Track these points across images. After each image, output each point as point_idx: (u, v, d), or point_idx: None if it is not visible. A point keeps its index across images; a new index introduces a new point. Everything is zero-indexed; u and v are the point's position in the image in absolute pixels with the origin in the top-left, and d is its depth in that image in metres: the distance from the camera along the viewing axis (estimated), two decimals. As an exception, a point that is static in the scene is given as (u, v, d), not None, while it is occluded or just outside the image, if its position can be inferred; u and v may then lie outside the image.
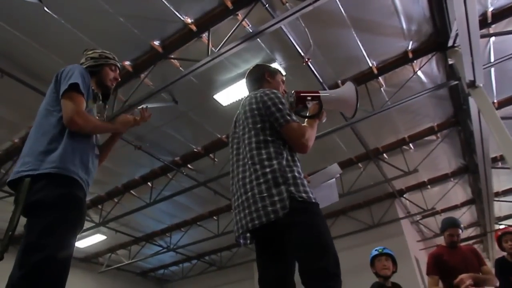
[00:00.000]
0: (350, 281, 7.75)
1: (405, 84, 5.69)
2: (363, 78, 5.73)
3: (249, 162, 1.80)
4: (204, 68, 4.58)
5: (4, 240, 1.59)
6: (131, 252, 10.76)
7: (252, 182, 1.75)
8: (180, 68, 5.11)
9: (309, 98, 2.02)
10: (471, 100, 5.01)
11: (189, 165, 7.31)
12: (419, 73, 5.67)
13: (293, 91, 2.06)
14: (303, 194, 1.69)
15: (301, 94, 2.03)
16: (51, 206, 1.62)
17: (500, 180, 8.71)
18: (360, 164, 7.96)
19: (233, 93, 5.59)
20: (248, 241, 1.90)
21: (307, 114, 2.01)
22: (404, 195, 9.21)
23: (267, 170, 1.73)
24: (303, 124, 1.93)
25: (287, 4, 4.41)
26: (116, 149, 6.65)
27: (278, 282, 1.80)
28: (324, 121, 2.08)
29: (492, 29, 5.18)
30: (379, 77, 5.75)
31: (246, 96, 2.08)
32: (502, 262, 3.87)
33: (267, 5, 4.31)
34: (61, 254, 1.56)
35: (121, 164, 7.13)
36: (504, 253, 3.93)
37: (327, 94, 2.07)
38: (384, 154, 7.64)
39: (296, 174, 1.76)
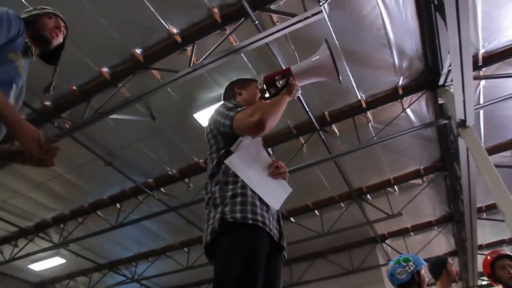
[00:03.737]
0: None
1: (393, 120, 5.50)
2: (351, 111, 5.54)
3: (204, 192, 1.68)
4: (184, 80, 4.34)
5: None
6: (92, 280, 9.96)
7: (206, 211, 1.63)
8: (160, 80, 4.84)
9: (278, 77, 1.77)
10: (460, 141, 4.82)
11: (162, 189, 6.88)
12: (408, 111, 5.51)
13: (261, 78, 1.85)
14: (237, 214, 1.44)
15: (268, 75, 1.80)
16: None
17: (484, 232, 8.45)
18: (342, 204, 7.63)
19: (215, 114, 5.30)
20: None
21: (269, 96, 1.80)
22: (386, 241, 8.84)
23: (211, 195, 1.60)
24: (247, 109, 1.67)
25: (277, 23, 4.26)
26: (85, 164, 6.30)
27: None
28: (298, 94, 1.80)
29: (482, 72, 5.10)
30: (367, 112, 5.56)
31: None
32: None
33: (256, 22, 4.12)
34: None
35: (89, 181, 6.67)
36: None
37: (299, 65, 1.81)
38: (368, 195, 7.35)
39: (238, 190, 1.51)
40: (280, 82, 1.76)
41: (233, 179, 1.55)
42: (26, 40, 1.74)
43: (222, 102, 1.86)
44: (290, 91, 1.74)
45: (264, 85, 1.79)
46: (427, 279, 2.83)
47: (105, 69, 4.79)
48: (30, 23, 1.81)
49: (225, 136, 1.64)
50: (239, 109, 1.64)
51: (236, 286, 1.28)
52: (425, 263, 2.86)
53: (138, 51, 4.61)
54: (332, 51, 1.70)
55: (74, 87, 4.97)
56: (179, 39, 4.47)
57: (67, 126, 5.21)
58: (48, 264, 8.92)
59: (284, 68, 1.85)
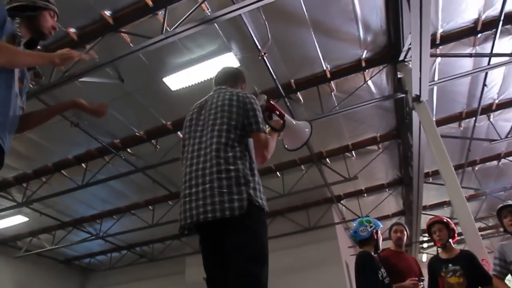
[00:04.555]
0: (283, 281, 7.86)
1: (355, 91, 5.82)
2: (316, 80, 5.77)
3: (214, 154, 1.77)
4: (156, 46, 4.34)
5: None
6: (55, 237, 10.01)
7: (212, 175, 1.72)
8: (131, 44, 4.81)
9: (277, 112, 2.15)
10: (414, 114, 5.23)
11: (128, 149, 6.93)
12: (369, 82, 5.83)
13: (265, 96, 2.12)
14: (260, 200, 1.73)
15: (273, 103, 2.13)
16: None
17: (429, 194, 9.26)
18: (302, 166, 8.06)
19: (184, 78, 5.37)
20: (187, 232, 1.84)
21: (271, 125, 2.12)
22: (341, 201, 9.49)
23: (232, 167, 1.73)
24: (268, 136, 1.96)
25: (250, -7, 4.30)
26: (50, 124, 6.13)
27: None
28: (279, 138, 2.19)
29: (439, 50, 5.46)
30: (331, 82, 5.83)
31: (219, 87, 2.09)
32: (434, 260, 3.55)
33: (229, -10, 4.15)
34: None
35: (53, 141, 6.59)
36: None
37: (290, 119, 2.20)
38: (327, 159, 7.80)
39: (257, 178, 1.79)
40: (274, 117, 2.15)
41: (250, 166, 1.80)
42: (18, 31, 1.75)
43: (246, 94, 1.97)
44: (279, 134, 2.14)
45: (265, 106, 2.08)
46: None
47: (72, 30, 4.67)
48: (32, 15, 1.82)
49: (243, 127, 1.88)
50: (264, 129, 1.92)
51: (265, 254, 1.68)
52: (381, 225, 3.51)
53: (107, 12, 4.52)
54: (311, 135, 2.22)
55: (38, 47, 4.81)
56: (150, 2, 4.43)
57: (31, 86, 5.08)
58: (10, 222, 8.84)
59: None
